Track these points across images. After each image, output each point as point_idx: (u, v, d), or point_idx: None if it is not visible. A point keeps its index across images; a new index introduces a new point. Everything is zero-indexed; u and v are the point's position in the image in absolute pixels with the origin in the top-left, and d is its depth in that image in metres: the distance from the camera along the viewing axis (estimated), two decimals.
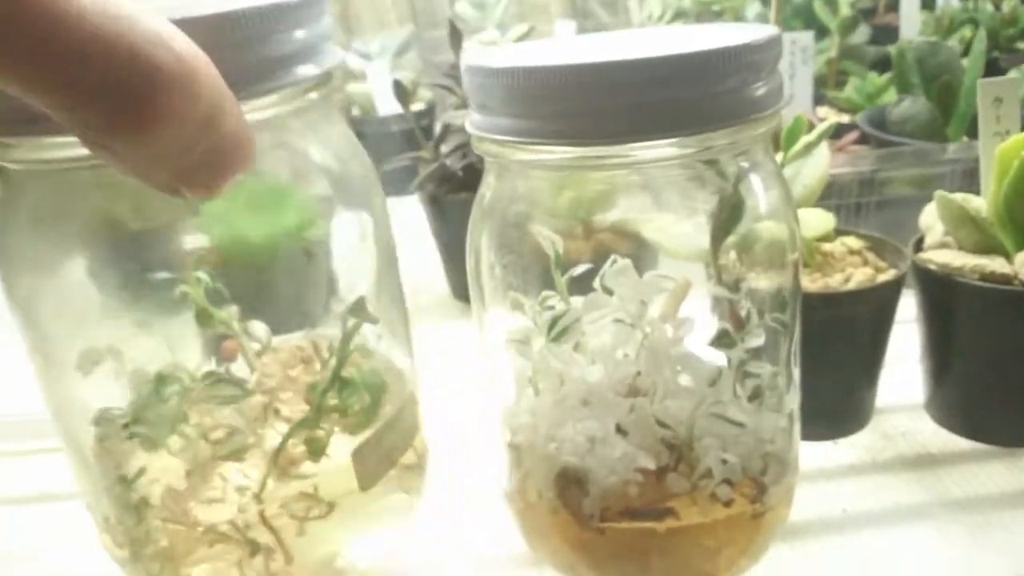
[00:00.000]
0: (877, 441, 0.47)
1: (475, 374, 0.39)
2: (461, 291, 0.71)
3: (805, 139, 0.44)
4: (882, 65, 0.89)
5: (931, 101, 0.63)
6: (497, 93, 0.30)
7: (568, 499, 0.34)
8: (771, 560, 0.37)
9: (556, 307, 0.36)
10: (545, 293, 0.36)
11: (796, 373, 0.36)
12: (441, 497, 0.45)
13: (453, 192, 0.67)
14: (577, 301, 0.35)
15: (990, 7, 0.92)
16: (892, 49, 0.69)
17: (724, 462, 0.33)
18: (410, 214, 0.74)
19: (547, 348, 0.35)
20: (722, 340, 0.34)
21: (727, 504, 0.34)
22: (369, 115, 1.05)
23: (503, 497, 0.38)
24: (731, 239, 0.35)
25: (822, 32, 0.96)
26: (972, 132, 0.64)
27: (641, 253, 0.36)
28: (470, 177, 0.67)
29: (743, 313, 0.35)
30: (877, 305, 0.45)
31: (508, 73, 0.29)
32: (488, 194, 0.35)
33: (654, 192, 0.35)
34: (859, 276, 0.46)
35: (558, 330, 0.34)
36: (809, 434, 0.46)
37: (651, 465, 0.33)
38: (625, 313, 0.36)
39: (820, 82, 0.94)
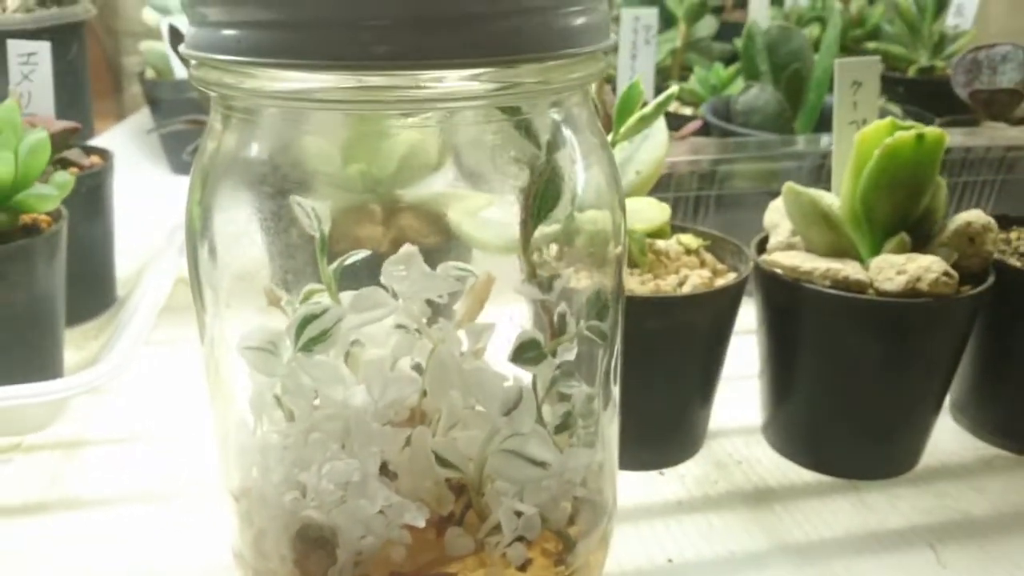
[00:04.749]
0: (710, 472, 0.42)
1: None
2: None
3: (640, 112, 0.38)
4: (728, 61, 0.87)
5: (780, 91, 0.59)
6: None
7: (310, 567, 0.26)
8: None
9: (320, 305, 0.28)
10: (311, 287, 0.29)
11: (615, 394, 0.30)
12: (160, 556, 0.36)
13: None
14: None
15: (838, 4, 0.92)
16: (740, 39, 0.65)
17: (518, 514, 0.26)
18: None
19: (296, 360, 0.27)
20: (523, 354, 0.28)
21: (523, 568, 0.27)
22: (165, 79, 0.92)
23: (233, 559, 0.30)
24: (546, 225, 0.28)
25: (668, 22, 0.92)
26: (821, 127, 0.62)
27: (452, 245, 0.29)
28: None
29: (557, 320, 0.29)
30: (715, 313, 0.40)
31: None
32: (220, 146, 0.27)
33: (461, 162, 0.28)
34: (695, 279, 0.40)
35: (312, 334, 0.26)
36: (632, 462, 0.40)
37: (420, 522, 0.25)
38: (407, 314, 0.28)
39: (663, 75, 0.91)
